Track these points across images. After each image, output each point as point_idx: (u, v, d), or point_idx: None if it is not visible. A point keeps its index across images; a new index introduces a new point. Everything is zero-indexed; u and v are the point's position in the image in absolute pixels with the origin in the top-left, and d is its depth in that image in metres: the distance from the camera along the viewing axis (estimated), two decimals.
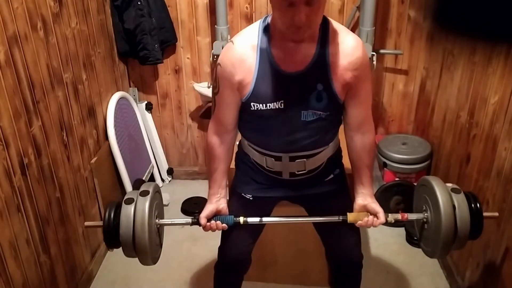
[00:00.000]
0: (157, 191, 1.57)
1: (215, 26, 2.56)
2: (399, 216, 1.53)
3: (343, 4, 2.65)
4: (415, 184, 2.66)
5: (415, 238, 2.58)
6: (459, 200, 1.44)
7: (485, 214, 1.47)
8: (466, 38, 2.22)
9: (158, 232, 1.55)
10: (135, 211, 1.42)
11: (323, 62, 1.39)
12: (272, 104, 1.43)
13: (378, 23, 2.62)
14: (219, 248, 1.77)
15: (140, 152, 2.95)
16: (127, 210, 1.43)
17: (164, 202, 2.93)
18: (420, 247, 1.62)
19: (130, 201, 1.45)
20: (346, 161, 1.71)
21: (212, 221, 1.55)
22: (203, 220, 1.55)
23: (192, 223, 1.56)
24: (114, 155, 2.59)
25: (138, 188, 1.52)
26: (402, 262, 2.48)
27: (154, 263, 1.55)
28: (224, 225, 1.55)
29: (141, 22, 2.59)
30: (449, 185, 1.50)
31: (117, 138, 2.59)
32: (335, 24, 1.44)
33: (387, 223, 1.54)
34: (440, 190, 1.45)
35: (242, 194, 1.67)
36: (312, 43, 1.39)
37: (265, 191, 1.66)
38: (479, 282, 2.04)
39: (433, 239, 1.49)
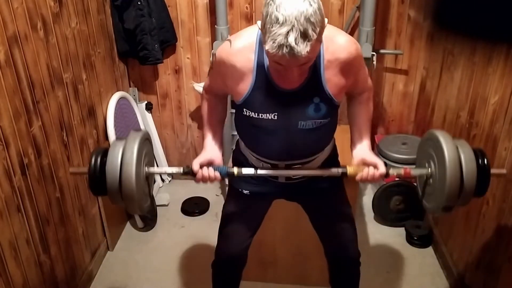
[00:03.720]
0: (147, 138, 1.49)
1: (215, 26, 2.56)
2: (401, 170, 1.47)
3: (343, 4, 2.65)
4: (415, 184, 2.67)
5: (415, 238, 2.59)
6: (466, 154, 1.37)
7: (492, 170, 1.41)
8: (466, 38, 2.22)
9: (147, 180, 1.47)
10: (123, 157, 1.34)
11: (318, 76, 1.39)
12: (265, 115, 1.42)
13: (378, 23, 2.62)
14: (216, 245, 1.78)
15: None
16: (114, 156, 1.35)
17: (164, 202, 2.96)
18: (422, 204, 1.54)
19: (117, 146, 1.37)
20: (342, 159, 1.72)
21: (205, 168, 1.49)
22: (195, 166, 1.49)
23: (184, 172, 1.48)
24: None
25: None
26: (402, 262, 2.48)
27: (142, 212, 1.47)
28: (217, 174, 1.49)
29: (141, 22, 2.59)
30: (457, 140, 1.44)
31: (117, 138, 2.58)
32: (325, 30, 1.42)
33: (388, 176, 1.48)
34: (447, 142, 1.39)
35: (239, 189, 1.68)
36: None
37: (262, 188, 1.66)
38: (479, 282, 2.04)
39: (437, 193, 1.42)
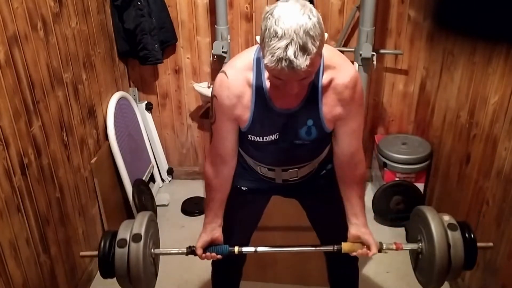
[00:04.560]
0: (152, 220, 1.56)
1: (215, 26, 2.56)
2: (393, 246, 1.55)
3: (343, 4, 2.65)
4: (415, 184, 2.67)
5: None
6: (454, 237, 1.43)
7: (479, 244, 1.47)
8: (466, 38, 2.22)
9: (153, 261, 1.55)
10: (130, 244, 1.43)
11: (314, 100, 1.38)
12: (268, 137, 1.44)
13: (378, 23, 2.62)
14: None
15: (140, 152, 2.95)
16: (121, 254, 1.43)
17: (164, 202, 2.96)
18: (415, 276, 1.62)
19: (123, 244, 1.44)
20: None
21: (208, 253, 1.55)
22: (199, 250, 1.55)
23: (188, 253, 1.57)
24: (114, 155, 2.59)
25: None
26: (402, 262, 2.47)
27: None
28: (219, 256, 1.56)
29: (141, 22, 2.59)
30: (444, 217, 1.48)
31: (117, 138, 2.59)
32: (329, 54, 1.38)
33: (380, 252, 1.56)
34: (434, 221, 1.45)
35: (238, 186, 1.68)
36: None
37: (260, 184, 1.68)
38: (479, 282, 2.04)
39: (427, 271, 1.49)
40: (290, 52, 1.12)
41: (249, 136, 1.46)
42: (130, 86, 2.96)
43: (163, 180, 3.19)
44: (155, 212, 2.83)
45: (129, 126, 2.81)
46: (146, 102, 2.99)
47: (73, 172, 2.20)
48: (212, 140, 1.53)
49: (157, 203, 2.90)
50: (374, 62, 2.45)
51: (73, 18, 2.16)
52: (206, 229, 1.58)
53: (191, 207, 2.94)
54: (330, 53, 1.39)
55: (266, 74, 1.35)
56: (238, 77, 1.37)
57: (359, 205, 1.57)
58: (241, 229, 1.73)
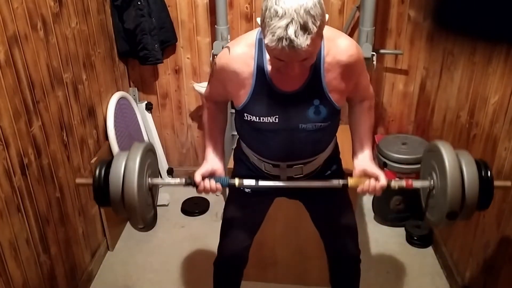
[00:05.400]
0: (150, 149, 1.50)
1: (215, 26, 2.56)
2: (403, 182, 1.45)
3: (343, 4, 2.65)
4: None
5: (415, 238, 2.59)
6: (468, 165, 1.34)
7: (496, 183, 1.37)
8: (466, 38, 2.22)
9: (150, 192, 1.49)
10: (125, 169, 1.37)
11: (318, 78, 1.38)
12: (266, 118, 1.42)
13: (378, 23, 2.62)
14: (219, 243, 1.78)
15: None
16: (117, 168, 1.37)
17: (164, 202, 2.96)
18: (425, 217, 1.52)
19: (120, 157, 1.40)
20: (343, 158, 1.72)
21: (206, 180, 1.50)
22: (197, 177, 1.49)
23: (186, 183, 1.50)
24: (114, 155, 2.59)
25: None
26: (402, 262, 2.48)
27: (145, 224, 1.48)
28: (218, 185, 1.50)
29: (141, 22, 2.59)
30: (459, 150, 1.41)
31: (117, 138, 2.59)
32: (326, 31, 1.38)
33: (390, 188, 1.46)
34: (447, 154, 1.36)
35: (241, 188, 1.68)
36: None
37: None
38: (479, 282, 2.04)
39: (439, 206, 1.40)
40: (291, 31, 1.12)
41: (245, 115, 1.44)
42: (130, 86, 2.96)
43: None
44: (155, 212, 2.82)
45: (129, 126, 2.81)
46: (146, 102, 2.99)
47: (73, 172, 2.19)
48: (208, 89, 1.61)
49: (157, 203, 2.89)
50: (374, 62, 2.45)
51: (73, 18, 2.16)
52: (207, 158, 1.58)
53: (191, 207, 2.94)
54: (327, 30, 1.38)
55: (267, 56, 1.36)
56: (239, 55, 1.39)
57: (366, 136, 1.55)
58: (244, 231, 1.72)
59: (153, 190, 1.51)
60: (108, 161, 1.43)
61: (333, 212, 1.70)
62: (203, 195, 1.57)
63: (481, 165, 1.38)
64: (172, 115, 3.06)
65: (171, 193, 3.05)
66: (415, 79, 2.83)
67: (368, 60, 2.42)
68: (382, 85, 2.86)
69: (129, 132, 2.80)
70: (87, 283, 2.35)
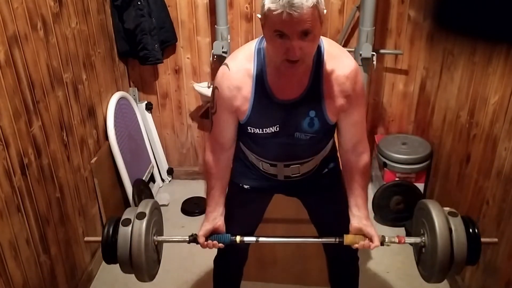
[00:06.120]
0: (156, 207, 1.58)
1: (215, 26, 2.56)
2: (396, 239, 1.52)
3: (343, 4, 2.65)
4: (415, 184, 2.67)
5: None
6: (456, 224, 1.41)
7: (483, 239, 1.43)
8: (466, 38, 2.22)
9: (156, 249, 1.57)
10: (132, 235, 1.44)
11: (316, 90, 1.38)
12: (268, 129, 1.44)
13: (378, 23, 2.62)
14: None
15: (140, 152, 2.95)
16: (124, 232, 1.45)
17: (164, 202, 2.96)
18: (418, 270, 1.60)
19: (127, 222, 1.46)
20: None
21: (209, 241, 1.57)
22: (201, 239, 1.57)
23: (190, 241, 1.58)
24: (114, 155, 2.59)
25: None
26: (402, 262, 2.48)
27: (151, 279, 1.56)
28: (220, 244, 1.57)
29: (141, 22, 2.59)
30: (447, 209, 1.48)
31: (117, 138, 2.59)
32: (329, 46, 1.40)
33: (383, 245, 1.53)
34: (437, 213, 1.43)
35: (240, 184, 1.69)
36: (306, 72, 1.37)
37: (263, 183, 1.68)
38: (479, 282, 2.04)
39: (429, 263, 1.47)
40: None
41: (248, 128, 1.45)
42: (130, 86, 2.96)
43: (163, 180, 3.19)
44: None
45: (129, 126, 2.81)
46: (146, 102, 2.99)
47: (73, 172, 2.20)
48: (211, 129, 1.54)
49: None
50: (374, 62, 2.45)
51: (73, 18, 2.16)
52: (208, 217, 1.59)
53: (191, 207, 2.94)
54: (330, 45, 1.41)
55: (267, 67, 1.36)
56: (239, 69, 1.39)
57: (362, 196, 1.56)
58: (243, 228, 1.73)
59: (158, 247, 1.59)
60: (116, 219, 1.50)
61: (331, 211, 1.70)
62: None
63: (469, 223, 1.45)
64: (172, 115, 3.06)
65: (171, 193, 3.05)
66: (415, 79, 2.83)
67: (368, 60, 2.42)
68: (382, 85, 2.86)
69: (129, 132, 2.80)
70: (87, 283, 2.35)
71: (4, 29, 1.63)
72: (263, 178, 1.65)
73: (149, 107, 3.00)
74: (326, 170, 1.67)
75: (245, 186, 1.69)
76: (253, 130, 1.45)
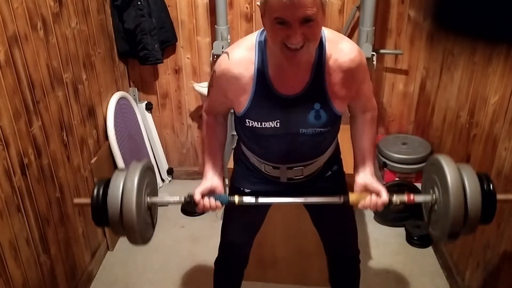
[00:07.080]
0: (149, 167, 1.49)
1: (215, 26, 2.56)
2: (404, 197, 1.42)
3: (343, 4, 2.65)
4: (415, 184, 2.67)
5: (415, 238, 2.58)
6: (470, 180, 1.31)
7: (499, 196, 1.34)
8: (466, 38, 2.22)
9: (149, 210, 1.47)
10: (123, 189, 1.35)
11: (320, 82, 1.36)
12: (268, 123, 1.41)
13: (378, 23, 2.62)
14: (219, 243, 1.79)
15: (140, 152, 2.95)
16: (115, 188, 1.36)
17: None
18: (428, 231, 1.50)
19: (119, 177, 1.38)
20: (344, 159, 1.71)
21: (206, 198, 1.49)
22: (197, 196, 1.48)
23: (185, 201, 1.49)
24: (114, 155, 2.59)
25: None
26: (402, 262, 2.48)
27: (144, 242, 1.46)
28: (218, 203, 1.48)
29: (141, 22, 2.59)
30: (461, 164, 1.39)
31: (117, 138, 2.59)
32: (328, 34, 1.38)
33: (391, 204, 1.43)
34: (449, 168, 1.34)
35: (241, 188, 1.68)
36: (308, 65, 1.35)
37: (264, 186, 1.66)
38: (479, 282, 2.04)
39: (441, 221, 1.37)
40: None
41: (247, 121, 1.42)
42: (130, 86, 2.96)
43: (163, 180, 3.19)
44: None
45: (129, 126, 2.81)
46: (146, 102, 2.99)
47: (73, 172, 2.20)
48: (208, 99, 1.56)
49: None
50: (374, 62, 2.45)
51: (73, 18, 2.16)
52: (206, 176, 1.55)
53: (191, 207, 2.92)
54: (330, 33, 1.39)
55: (268, 61, 1.35)
56: (240, 59, 1.37)
57: (368, 150, 1.53)
58: (245, 231, 1.72)
59: (152, 209, 1.50)
60: (106, 180, 1.41)
61: (333, 213, 1.69)
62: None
63: (483, 179, 1.36)
64: (172, 115, 3.06)
65: (171, 193, 3.04)
66: (415, 79, 2.83)
67: (368, 60, 2.42)
68: (382, 85, 2.86)
69: (129, 132, 2.80)
70: (87, 283, 2.35)
71: (4, 29, 1.63)
72: (266, 181, 1.63)
73: (149, 107, 3.00)
74: (330, 173, 1.65)
75: (246, 190, 1.67)
76: (252, 123, 1.42)
